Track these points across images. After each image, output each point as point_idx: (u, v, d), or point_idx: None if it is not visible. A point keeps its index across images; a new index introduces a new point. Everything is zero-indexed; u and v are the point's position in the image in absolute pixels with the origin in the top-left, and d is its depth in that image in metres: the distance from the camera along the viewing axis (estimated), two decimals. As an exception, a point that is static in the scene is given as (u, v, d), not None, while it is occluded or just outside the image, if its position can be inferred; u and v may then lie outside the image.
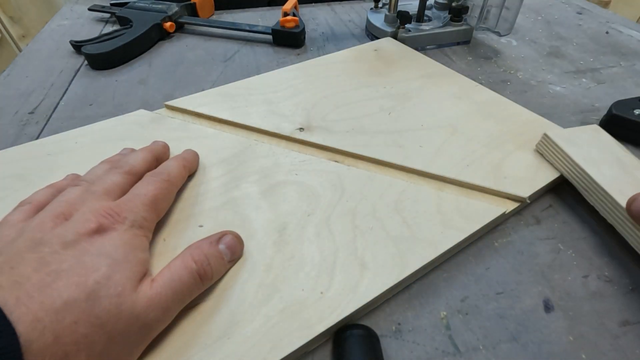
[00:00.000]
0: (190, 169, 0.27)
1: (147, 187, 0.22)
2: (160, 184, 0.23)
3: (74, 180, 0.23)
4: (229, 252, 0.21)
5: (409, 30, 0.46)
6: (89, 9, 0.54)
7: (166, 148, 0.29)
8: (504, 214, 0.25)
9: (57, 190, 0.22)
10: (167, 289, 0.18)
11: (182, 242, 0.23)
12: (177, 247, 0.23)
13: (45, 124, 0.35)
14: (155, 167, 0.25)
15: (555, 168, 0.28)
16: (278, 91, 0.37)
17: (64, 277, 0.16)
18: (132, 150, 0.28)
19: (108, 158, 0.26)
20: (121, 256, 0.18)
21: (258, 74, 0.39)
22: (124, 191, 0.22)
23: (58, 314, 0.15)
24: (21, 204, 0.21)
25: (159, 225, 0.24)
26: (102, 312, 0.16)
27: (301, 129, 0.32)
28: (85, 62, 0.44)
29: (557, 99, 0.39)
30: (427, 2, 0.47)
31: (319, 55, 0.44)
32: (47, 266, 0.16)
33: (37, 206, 0.21)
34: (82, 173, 0.25)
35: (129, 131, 0.32)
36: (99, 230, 0.18)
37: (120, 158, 0.26)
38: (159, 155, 0.27)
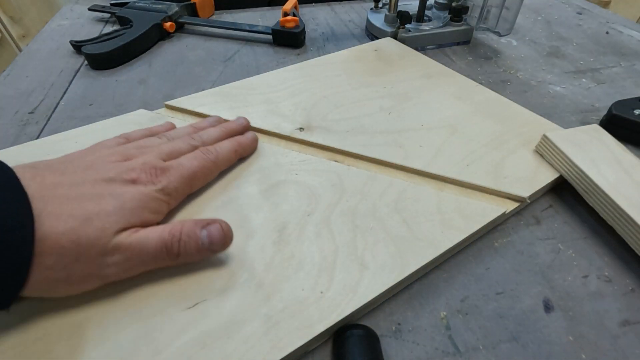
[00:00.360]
0: (242, 154, 0.29)
1: (191, 162, 0.25)
2: (205, 163, 0.25)
3: (164, 130, 0.29)
4: (207, 240, 0.21)
5: (409, 30, 0.46)
6: (89, 9, 0.54)
7: (245, 127, 0.31)
8: (504, 214, 0.25)
9: (149, 133, 0.28)
10: (136, 245, 0.20)
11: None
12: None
13: (45, 124, 0.35)
14: None
15: (555, 169, 0.28)
16: (278, 91, 0.37)
17: (83, 200, 0.20)
18: (220, 120, 0.31)
19: (198, 122, 0.31)
20: (129, 207, 0.20)
21: (258, 74, 0.39)
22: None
23: (59, 219, 0.18)
24: (120, 136, 0.27)
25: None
26: (84, 235, 0.19)
27: (301, 129, 0.32)
28: (85, 62, 0.44)
29: (557, 99, 0.39)
30: (427, 2, 0.47)
31: (319, 55, 0.44)
32: (82, 186, 0.20)
33: (128, 140, 0.26)
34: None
35: (129, 131, 0.32)
36: (134, 181, 0.22)
37: (200, 132, 0.29)
38: (234, 134, 0.30)
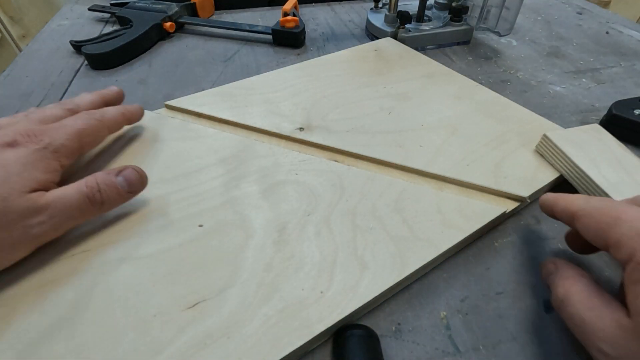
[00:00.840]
0: (130, 118, 0.29)
1: (75, 121, 0.25)
2: (90, 121, 0.25)
3: (28, 112, 0.26)
4: (125, 183, 0.23)
5: (409, 30, 0.46)
6: (89, 9, 0.54)
7: (119, 94, 0.31)
8: (504, 214, 0.25)
9: (12, 117, 0.25)
10: (56, 202, 0.21)
11: (182, 241, 0.23)
12: (176, 246, 0.23)
13: (45, 124, 0.35)
14: None
15: (556, 169, 0.28)
16: (278, 91, 0.37)
17: None
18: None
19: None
20: (16, 170, 0.21)
21: (258, 74, 0.39)
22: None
23: None
24: None
25: (156, 224, 0.24)
26: None
27: (301, 129, 0.32)
28: (85, 62, 0.44)
29: (557, 99, 0.39)
30: (427, 2, 0.47)
31: (319, 55, 0.44)
32: None
33: None
34: (83, 173, 0.25)
35: (129, 131, 0.32)
36: (12, 144, 0.21)
37: (72, 99, 0.28)
38: (108, 100, 0.30)
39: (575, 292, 0.18)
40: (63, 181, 0.23)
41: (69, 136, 0.23)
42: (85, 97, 0.28)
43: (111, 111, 0.28)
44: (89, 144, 0.25)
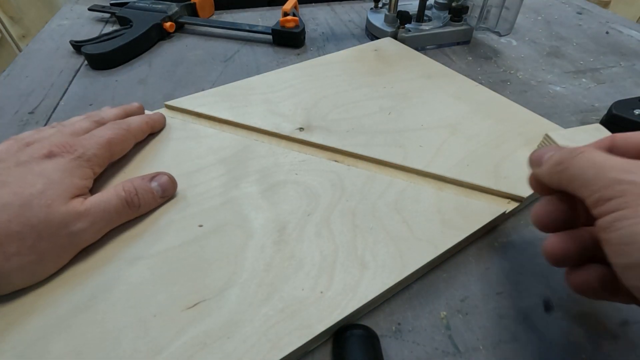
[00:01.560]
0: (153, 126, 0.31)
1: (104, 131, 0.26)
2: (118, 131, 0.27)
3: (55, 125, 0.27)
4: (160, 189, 0.25)
5: (409, 30, 0.46)
6: (89, 9, 0.54)
7: (140, 109, 0.32)
8: (503, 214, 0.25)
9: (40, 131, 0.26)
10: (95, 208, 0.22)
11: (182, 241, 0.23)
12: (176, 247, 0.23)
13: (45, 124, 0.35)
14: None
15: (555, 168, 0.28)
16: (278, 91, 0.37)
17: (6, 187, 0.20)
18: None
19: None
20: (57, 178, 0.22)
21: (258, 74, 0.39)
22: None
23: None
24: (9, 139, 0.25)
25: (156, 224, 0.24)
26: (33, 217, 0.20)
27: (301, 129, 0.32)
28: (85, 62, 0.44)
29: (557, 99, 0.39)
30: (427, 2, 0.47)
31: (319, 55, 0.44)
32: (1, 176, 0.21)
33: (18, 140, 0.25)
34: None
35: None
36: (49, 155, 0.23)
37: (97, 112, 0.29)
38: (130, 113, 0.31)
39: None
40: (91, 189, 0.24)
41: (100, 145, 0.25)
42: (110, 110, 0.30)
43: (136, 120, 0.29)
44: (118, 152, 0.27)
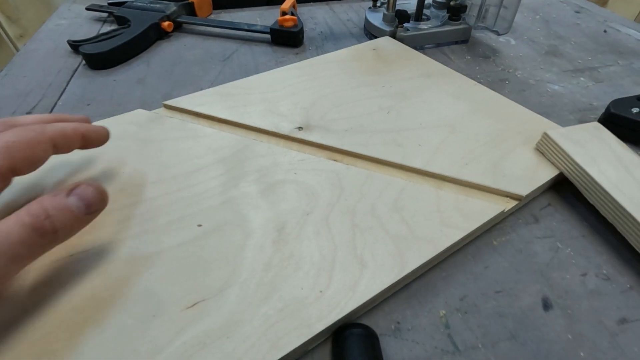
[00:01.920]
0: (87, 135, 0.24)
1: (7, 134, 0.20)
2: (25, 133, 0.20)
3: None
4: (82, 204, 0.19)
5: (408, 30, 0.46)
6: (87, 9, 0.53)
7: (84, 120, 0.26)
8: (502, 213, 0.25)
9: None
10: None
11: (181, 241, 0.23)
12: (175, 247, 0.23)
13: (43, 124, 0.35)
14: None
15: (556, 167, 0.28)
16: (277, 90, 0.37)
17: None
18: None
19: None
20: None
21: (257, 74, 0.39)
22: None
23: None
24: None
25: (156, 225, 0.24)
26: None
27: (300, 128, 0.32)
28: (83, 61, 0.44)
29: (556, 97, 0.39)
30: (426, 1, 0.47)
31: (318, 55, 0.44)
32: None
33: None
34: (79, 174, 0.25)
35: (127, 131, 0.32)
36: None
37: (14, 118, 0.23)
38: (66, 121, 0.24)
39: None
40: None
41: None
42: (32, 116, 0.24)
43: (58, 125, 0.22)
44: (22, 159, 0.20)
